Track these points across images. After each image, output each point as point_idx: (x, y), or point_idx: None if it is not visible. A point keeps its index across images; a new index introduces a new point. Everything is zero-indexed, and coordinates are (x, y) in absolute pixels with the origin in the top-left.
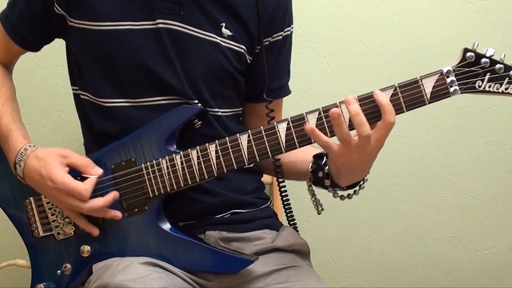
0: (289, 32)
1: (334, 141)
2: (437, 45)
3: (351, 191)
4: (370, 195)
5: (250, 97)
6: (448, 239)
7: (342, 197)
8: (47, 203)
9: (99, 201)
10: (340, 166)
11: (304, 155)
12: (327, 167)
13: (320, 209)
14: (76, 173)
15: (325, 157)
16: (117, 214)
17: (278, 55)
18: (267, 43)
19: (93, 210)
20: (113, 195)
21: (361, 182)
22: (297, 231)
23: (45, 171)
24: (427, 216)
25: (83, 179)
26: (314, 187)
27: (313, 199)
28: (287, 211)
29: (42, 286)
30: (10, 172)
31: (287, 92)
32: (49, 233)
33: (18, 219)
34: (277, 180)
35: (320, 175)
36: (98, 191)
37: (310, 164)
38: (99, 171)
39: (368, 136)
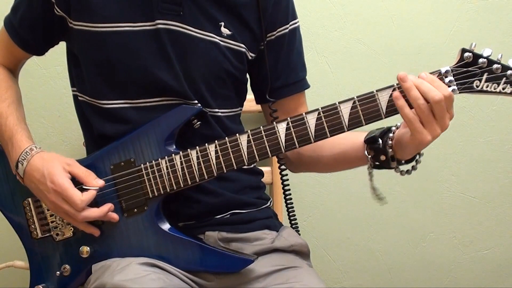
0: (295, 25)
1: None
2: (437, 45)
3: (413, 163)
4: (370, 195)
5: (269, 94)
6: (448, 239)
7: (407, 172)
8: None
9: (93, 213)
10: (416, 143)
11: (348, 142)
12: (390, 150)
13: (380, 198)
14: (79, 184)
15: (380, 139)
16: (114, 216)
17: (289, 49)
18: (272, 37)
19: (87, 220)
20: (108, 206)
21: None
22: (298, 231)
23: (47, 172)
24: (427, 216)
25: (84, 190)
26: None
27: (372, 186)
28: (290, 211)
29: (41, 287)
30: (8, 173)
31: (305, 86)
32: (47, 234)
33: (16, 220)
34: (282, 183)
35: (383, 158)
36: (96, 192)
37: (366, 151)
38: (100, 182)
39: (441, 99)
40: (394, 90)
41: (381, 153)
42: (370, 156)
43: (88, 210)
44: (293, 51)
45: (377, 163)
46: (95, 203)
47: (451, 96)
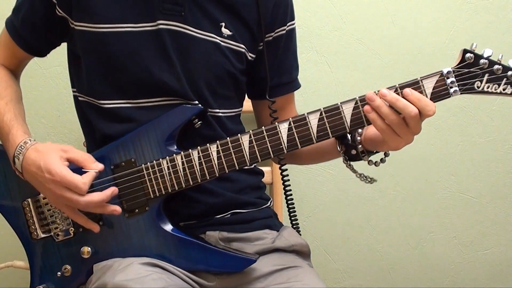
0: (292, 27)
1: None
2: (437, 45)
3: (381, 155)
4: (370, 195)
5: (261, 94)
6: (448, 239)
7: (376, 163)
8: (46, 204)
9: (97, 196)
10: (391, 147)
11: None
12: (360, 146)
13: (369, 180)
14: (76, 170)
15: (348, 135)
16: (116, 208)
17: (285, 50)
18: (270, 38)
19: (90, 205)
20: (111, 190)
21: None
22: (299, 231)
23: (43, 163)
24: (427, 216)
25: (82, 174)
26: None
27: (357, 175)
28: (291, 211)
29: None
30: (7, 173)
31: (297, 86)
32: (48, 235)
33: (16, 221)
34: (283, 183)
35: (353, 152)
36: (97, 191)
37: (338, 146)
38: (99, 165)
39: (417, 115)
40: (396, 90)
41: (352, 148)
42: (342, 151)
43: (90, 195)
44: (288, 52)
45: (349, 157)
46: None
47: (434, 113)
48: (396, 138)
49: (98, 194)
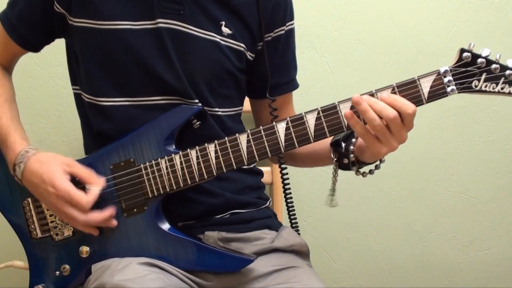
0: (291, 27)
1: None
2: (437, 45)
3: (372, 167)
4: (370, 195)
5: (260, 93)
6: (448, 239)
7: (364, 174)
8: None
9: (96, 217)
10: (373, 154)
11: (320, 142)
12: (352, 155)
13: (334, 202)
14: (77, 183)
15: (343, 143)
16: (113, 222)
17: (284, 50)
18: (269, 38)
19: (89, 224)
20: (110, 212)
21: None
22: (298, 231)
23: (46, 176)
24: (427, 216)
25: (84, 190)
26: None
27: (332, 190)
28: (290, 211)
29: (41, 287)
30: (7, 173)
31: (295, 86)
32: (47, 234)
33: (16, 220)
34: (282, 182)
35: (345, 161)
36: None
37: (332, 153)
38: (102, 182)
39: (396, 116)
40: (393, 89)
41: (344, 157)
42: (335, 159)
43: (90, 214)
44: (287, 52)
45: (340, 165)
46: (95, 204)
47: (413, 113)
48: (376, 143)
49: (98, 215)
